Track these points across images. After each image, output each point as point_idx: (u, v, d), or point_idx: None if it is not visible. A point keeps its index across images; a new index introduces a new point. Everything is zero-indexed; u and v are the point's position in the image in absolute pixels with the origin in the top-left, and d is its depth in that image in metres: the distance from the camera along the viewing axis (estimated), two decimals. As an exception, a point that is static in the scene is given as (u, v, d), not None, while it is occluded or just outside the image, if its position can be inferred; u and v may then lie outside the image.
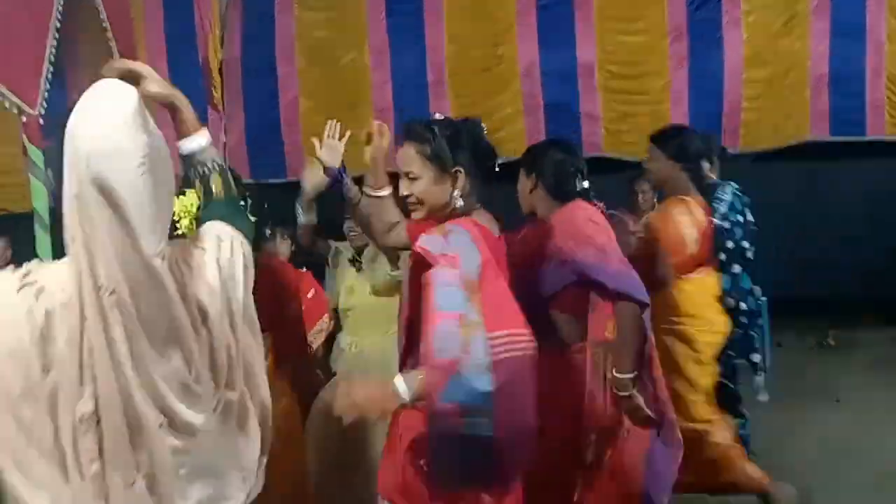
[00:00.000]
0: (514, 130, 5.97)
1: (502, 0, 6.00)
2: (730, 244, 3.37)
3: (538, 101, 6.03)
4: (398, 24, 6.00)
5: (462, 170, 1.84)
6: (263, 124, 6.02)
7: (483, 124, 1.95)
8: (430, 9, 5.97)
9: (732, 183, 3.55)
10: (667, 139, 3.07)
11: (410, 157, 1.86)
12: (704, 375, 3.02)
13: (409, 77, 6.00)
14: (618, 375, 2.28)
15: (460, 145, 1.85)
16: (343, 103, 6.01)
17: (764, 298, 5.11)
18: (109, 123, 1.25)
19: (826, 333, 5.48)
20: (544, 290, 2.30)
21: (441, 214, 1.86)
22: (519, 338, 1.64)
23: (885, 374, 4.78)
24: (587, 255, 2.25)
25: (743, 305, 3.42)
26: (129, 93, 1.31)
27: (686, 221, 2.96)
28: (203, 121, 5.44)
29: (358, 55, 6.00)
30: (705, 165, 3.36)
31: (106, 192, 1.23)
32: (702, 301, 3.03)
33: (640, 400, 2.29)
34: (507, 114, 6.00)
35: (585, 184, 2.48)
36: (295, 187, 2.56)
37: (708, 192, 3.30)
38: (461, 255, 1.70)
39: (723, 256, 3.33)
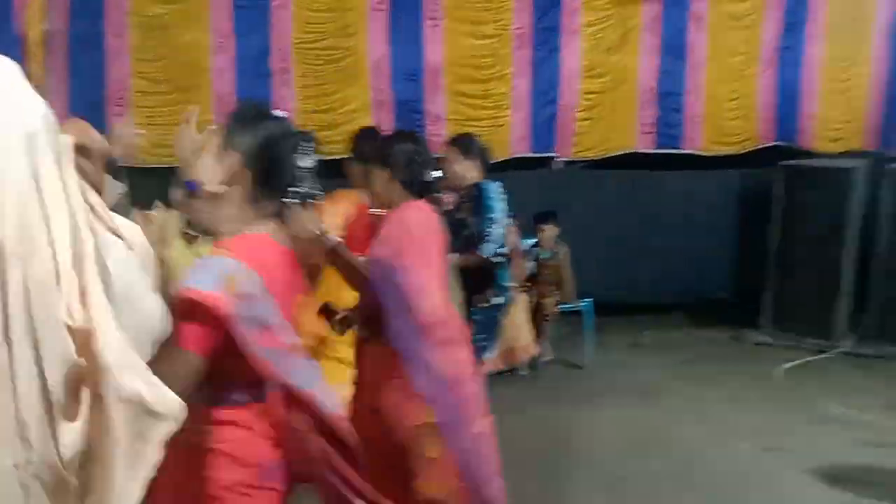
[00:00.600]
0: (362, 125, 5.94)
1: (352, -9, 5.92)
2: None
3: (386, 98, 6.03)
4: (244, 5, 5.77)
5: (238, 156, 1.69)
6: (87, 102, 5.58)
7: (313, 140, 1.88)
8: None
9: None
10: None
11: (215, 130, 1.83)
12: None
13: (253, 63, 5.80)
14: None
15: (249, 133, 1.71)
16: (180, 86, 5.71)
17: (588, 300, 5.48)
18: None
19: (641, 334, 5.92)
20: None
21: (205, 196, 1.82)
22: None
23: (693, 372, 5.24)
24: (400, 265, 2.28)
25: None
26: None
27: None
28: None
29: (199, 36, 5.71)
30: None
31: None
32: None
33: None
34: (355, 108, 5.96)
35: (438, 173, 2.55)
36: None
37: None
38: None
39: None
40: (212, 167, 1.74)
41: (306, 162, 1.80)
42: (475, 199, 3.48)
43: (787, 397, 4.74)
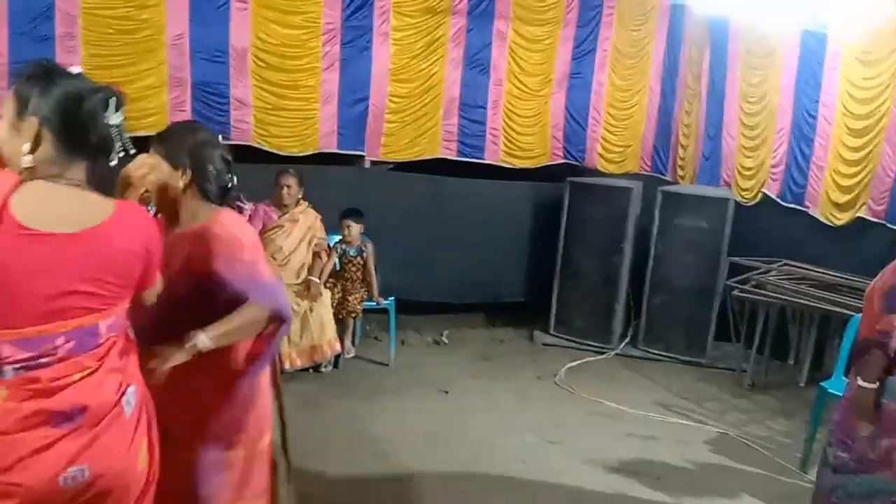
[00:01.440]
0: (157, 103, 5.54)
1: (150, -38, 5.50)
2: None
3: (185, 77, 5.67)
4: (22, -42, 5.14)
5: (35, 120, 1.55)
6: None
7: (118, 97, 1.64)
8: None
9: None
10: None
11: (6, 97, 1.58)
12: None
13: (30, 23, 5.18)
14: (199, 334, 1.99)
15: (45, 94, 1.56)
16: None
17: (391, 299, 5.52)
18: None
19: (441, 333, 6.08)
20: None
21: (13, 170, 1.57)
22: None
23: (487, 369, 5.47)
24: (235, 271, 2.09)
25: None
26: None
27: None
28: None
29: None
30: None
31: None
32: None
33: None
34: (149, 83, 5.53)
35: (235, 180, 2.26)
36: None
37: None
38: None
39: None
40: (11, 138, 1.55)
41: (116, 118, 1.64)
42: None
43: (568, 394, 5.09)
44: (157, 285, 1.80)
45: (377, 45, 6.18)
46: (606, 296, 6.00)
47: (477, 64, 6.50)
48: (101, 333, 1.62)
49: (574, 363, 5.66)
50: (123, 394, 1.65)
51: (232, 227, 2.16)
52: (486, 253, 6.29)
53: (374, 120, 6.27)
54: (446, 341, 5.99)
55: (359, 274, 5.36)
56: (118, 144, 1.65)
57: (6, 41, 5.15)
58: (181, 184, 2.12)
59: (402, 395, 4.81)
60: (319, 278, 5.08)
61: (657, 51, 6.82)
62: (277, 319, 2.14)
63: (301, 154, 6.04)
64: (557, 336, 6.13)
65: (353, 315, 5.39)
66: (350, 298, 5.31)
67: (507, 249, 6.43)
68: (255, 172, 5.11)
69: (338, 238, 5.39)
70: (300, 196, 5.15)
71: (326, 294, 5.11)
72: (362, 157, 6.31)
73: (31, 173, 1.55)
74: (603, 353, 5.90)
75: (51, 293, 1.52)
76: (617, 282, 5.98)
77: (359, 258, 5.36)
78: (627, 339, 6.08)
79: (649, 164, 7.02)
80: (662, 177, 6.83)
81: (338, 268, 5.35)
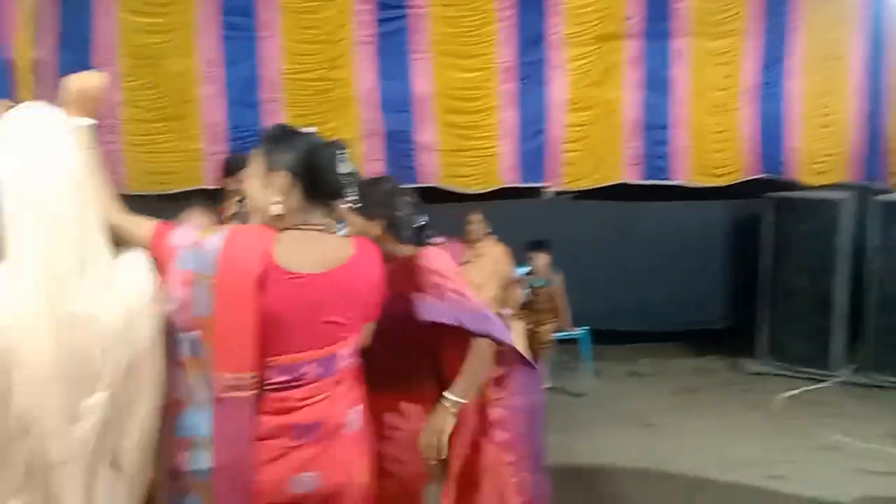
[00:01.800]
0: (352, 155, 5.91)
1: (341, 24, 5.95)
2: None
3: (377, 128, 6.03)
4: (233, 36, 5.77)
5: (284, 173, 1.74)
6: (76, 130, 5.50)
7: (344, 149, 1.84)
8: (266, 23, 5.80)
9: None
10: None
11: (252, 157, 1.80)
12: None
13: (242, 92, 5.78)
14: (449, 395, 2.18)
15: (290, 150, 1.76)
16: (169, 115, 5.67)
17: (585, 328, 5.43)
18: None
19: (639, 362, 5.87)
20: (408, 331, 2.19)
21: (266, 220, 1.77)
22: (241, 381, 1.66)
23: (692, 401, 5.19)
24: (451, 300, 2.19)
25: None
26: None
27: None
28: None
29: (188, 65, 5.68)
30: None
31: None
32: None
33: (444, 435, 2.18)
34: (346, 138, 5.91)
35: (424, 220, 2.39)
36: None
37: None
38: (191, 285, 1.65)
39: None
40: (261, 191, 1.77)
41: (346, 168, 1.82)
42: None
43: (787, 426, 4.69)
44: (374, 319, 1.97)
45: (552, 77, 6.22)
46: (821, 318, 5.51)
47: (657, 84, 6.34)
48: (341, 360, 1.81)
49: (791, 392, 5.22)
50: (347, 414, 1.82)
51: (437, 261, 2.26)
52: (682, 277, 6.03)
53: (553, 150, 6.28)
54: (645, 371, 5.77)
55: (548, 305, 5.33)
56: (348, 190, 1.84)
57: (225, 109, 5.77)
58: (377, 232, 2.26)
59: (600, 428, 4.67)
60: (510, 311, 5.10)
61: (856, 52, 6.27)
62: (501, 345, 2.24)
63: (485, 190, 6.17)
64: (768, 363, 5.69)
65: (545, 346, 5.36)
66: (541, 329, 5.29)
67: (704, 272, 6.12)
68: (441, 212, 5.26)
69: (525, 270, 5.40)
70: (486, 231, 5.23)
71: (518, 326, 5.11)
72: (544, 188, 6.32)
73: (278, 221, 1.75)
74: (823, 381, 5.40)
75: (310, 327, 1.73)
76: (832, 303, 5.48)
77: (547, 288, 5.34)
78: (850, 366, 5.51)
79: (860, 172, 6.42)
80: (876, 185, 6.20)
81: (527, 300, 5.35)
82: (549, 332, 5.32)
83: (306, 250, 1.73)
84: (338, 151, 1.81)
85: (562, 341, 5.52)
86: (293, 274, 1.69)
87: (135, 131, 5.61)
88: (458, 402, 2.15)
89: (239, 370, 1.64)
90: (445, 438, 2.14)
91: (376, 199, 2.26)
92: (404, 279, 2.19)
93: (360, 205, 2.25)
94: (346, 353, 1.81)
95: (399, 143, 6.04)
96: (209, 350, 1.63)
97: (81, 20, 5.51)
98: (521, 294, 5.27)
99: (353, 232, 2.24)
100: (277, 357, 1.70)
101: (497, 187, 6.22)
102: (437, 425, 2.14)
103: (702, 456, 4.26)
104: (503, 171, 6.24)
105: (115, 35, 5.58)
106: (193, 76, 5.70)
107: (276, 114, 5.79)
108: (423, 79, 6.08)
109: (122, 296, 1.50)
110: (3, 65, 5.23)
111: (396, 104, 6.05)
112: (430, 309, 2.16)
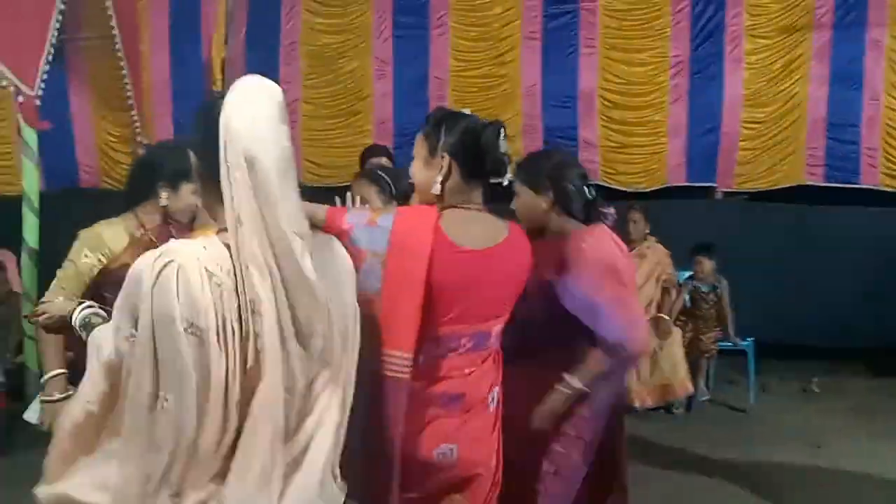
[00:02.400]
0: (511, 151, 5.95)
1: (508, 21, 6.02)
2: None
3: (537, 124, 6.04)
4: (403, 35, 6.00)
5: (447, 157, 1.79)
6: (260, 126, 5.99)
7: (503, 128, 1.86)
8: (436, 23, 5.98)
9: None
10: None
11: (417, 140, 1.88)
12: None
13: (411, 90, 6.00)
14: (570, 379, 2.13)
15: (451, 133, 1.80)
16: (343, 111, 6.00)
17: (750, 340, 5.15)
18: (261, 115, 1.39)
19: (810, 380, 5.47)
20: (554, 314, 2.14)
21: (427, 199, 1.84)
22: (399, 360, 1.70)
23: (866, 422, 4.77)
24: (604, 296, 2.10)
25: None
26: (275, 90, 1.45)
27: None
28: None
29: (362, 63, 5.99)
30: None
31: (257, 176, 1.36)
32: None
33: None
34: (507, 134, 5.99)
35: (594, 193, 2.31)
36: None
37: None
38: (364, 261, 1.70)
39: None
40: (424, 171, 1.85)
41: (505, 146, 1.85)
42: None
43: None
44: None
45: (729, 71, 5.94)
46: None
47: (846, 79, 5.87)
48: (492, 337, 1.85)
49: None
50: (490, 391, 1.87)
51: (602, 249, 2.16)
52: (866, 290, 5.53)
53: (727, 149, 5.99)
54: (816, 390, 5.37)
55: (712, 312, 5.10)
56: (506, 168, 1.87)
57: (392, 108, 6.03)
58: (544, 206, 2.25)
59: (763, 446, 4.40)
60: (669, 316, 4.94)
61: None
62: (620, 351, 2.13)
63: (648, 189, 6.00)
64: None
65: (707, 356, 5.14)
66: (703, 338, 5.07)
67: (890, 286, 5.57)
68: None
69: (688, 274, 5.20)
70: (647, 231, 5.09)
71: (677, 332, 4.95)
72: (713, 188, 6.04)
73: (439, 200, 1.82)
74: None
75: (470, 301, 1.78)
76: None
77: (712, 295, 5.11)
78: None
79: None
80: None
81: (689, 305, 5.15)
82: (712, 341, 5.09)
83: (469, 227, 1.78)
84: (499, 129, 1.84)
85: (725, 352, 5.25)
86: (460, 248, 1.74)
87: (312, 127, 6.00)
88: (575, 388, 2.11)
89: (401, 348, 1.70)
90: (554, 420, 2.12)
91: (546, 172, 2.25)
92: (559, 259, 2.14)
93: (529, 177, 2.29)
94: (496, 332, 1.85)
95: (560, 139, 6.01)
96: (372, 326, 1.67)
97: (269, 22, 5.95)
98: (682, 299, 5.10)
99: (521, 205, 2.28)
100: (439, 328, 1.75)
101: (662, 186, 6.03)
102: (551, 406, 2.12)
103: (882, 487, 3.90)
104: (670, 170, 6.04)
105: (298, 35, 5.98)
106: (367, 75, 5.99)
107: (442, 111, 5.96)
108: (589, 73, 6.01)
109: (331, 263, 1.53)
110: (201, 64, 5.77)
111: (559, 99, 6.03)
112: (573, 299, 2.10)
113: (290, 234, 1.36)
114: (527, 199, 2.24)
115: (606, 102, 6.01)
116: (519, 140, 6.02)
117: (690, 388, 4.86)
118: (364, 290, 1.64)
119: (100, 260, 2.28)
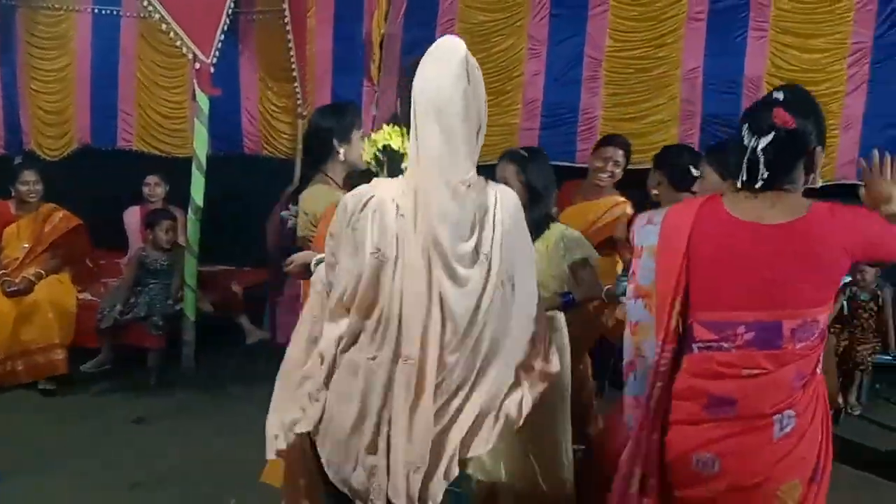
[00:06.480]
0: (667, 136, 5.72)
1: (671, 2, 5.74)
2: None
3: (696, 109, 5.76)
4: (561, 13, 5.89)
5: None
6: (405, 100, 6.11)
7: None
8: (597, 1, 5.82)
9: None
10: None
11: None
12: None
13: (564, 69, 5.90)
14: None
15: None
16: (494, 90, 6.00)
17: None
18: (444, 72, 1.72)
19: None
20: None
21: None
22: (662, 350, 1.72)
23: None
24: None
25: None
26: (459, 46, 1.80)
27: None
28: (358, 92, 5.58)
29: (516, 42, 5.95)
30: None
31: (443, 124, 1.69)
32: None
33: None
34: (660, 118, 5.77)
35: None
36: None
37: None
38: (640, 257, 1.81)
39: None
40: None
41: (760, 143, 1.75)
42: None
43: None
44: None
45: (918, 61, 5.38)
46: None
47: None
48: (784, 335, 1.63)
49: None
50: (778, 413, 1.64)
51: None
52: None
53: (907, 145, 5.44)
54: None
55: (871, 322, 4.73)
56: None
57: (542, 87, 5.95)
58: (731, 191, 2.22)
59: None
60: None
61: None
62: None
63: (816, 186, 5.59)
64: None
65: (862, 368, 4.77)
66: (859, 349, 4.71)
67: None
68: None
69: (848, 279, 4.82)
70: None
71: (830, 340, 4.62)
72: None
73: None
74: None
75: (745, 281, 1.65)
76: None
77: (872, 304, 4.73)
78: None
79: None
80: None
81: (845, 313, 4.79)
82: (868, 353, 4.71)
83: (754, 203, 1.69)
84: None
85: (882, 366, 4.85)
86: (731, 216, 1.69)
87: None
88: None
89: (657, 335, 1.71)
90: None
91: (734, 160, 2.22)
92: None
93: (718, 164, 2.29)
94: (790, 329, 1.62)
95: (719, 127, 5.71)
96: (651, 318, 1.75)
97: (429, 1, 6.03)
98: (837, 305, 4.74)
99: (706, 190, 2.30)
100: (710, 312, 1.66)
101: (831, 182, 5.59)
102: None
103: None
104: (839, 167, 5.59)
105: (456, 12, 6.03)
106: (520, 54, 5.95)
107: (594, 93, 5.82)
108: (757, 59, 5.65)
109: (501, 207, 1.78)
110: (362, 38, 5.96)
111: (722, 85, 5.71)
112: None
113: (455, 182, 1.67)
114: (714, 184, 2.32)
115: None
116: (674, 126, 5.78)
117: (839, 402, 4.53)
118: (642, 283, 1.80)
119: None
